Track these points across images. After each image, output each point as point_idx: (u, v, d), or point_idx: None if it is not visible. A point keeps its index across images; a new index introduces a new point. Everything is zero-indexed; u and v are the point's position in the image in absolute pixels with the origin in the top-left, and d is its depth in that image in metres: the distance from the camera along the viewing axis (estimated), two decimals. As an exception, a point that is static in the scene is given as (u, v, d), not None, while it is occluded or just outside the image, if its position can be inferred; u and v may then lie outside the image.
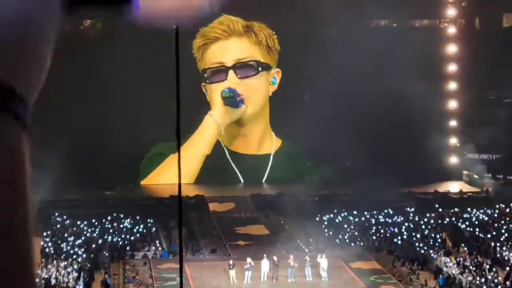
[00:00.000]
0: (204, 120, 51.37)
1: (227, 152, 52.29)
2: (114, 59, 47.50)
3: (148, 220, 43.41)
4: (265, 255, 34.51)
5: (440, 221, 44.24)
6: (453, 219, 44.53)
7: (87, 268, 35.77)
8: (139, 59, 48.37)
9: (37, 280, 32.74)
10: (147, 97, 49.97)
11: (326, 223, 43.09)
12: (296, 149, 52.28)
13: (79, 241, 39.36)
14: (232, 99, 50.50)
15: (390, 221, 43.77)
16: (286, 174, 51.48)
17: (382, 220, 44.00)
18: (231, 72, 51.03)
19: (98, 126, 49.81)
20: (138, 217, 43.61)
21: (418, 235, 41.14)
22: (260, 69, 51.83)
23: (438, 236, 41.30)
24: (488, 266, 35.85)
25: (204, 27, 50.68)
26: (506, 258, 37.38)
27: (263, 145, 53.16)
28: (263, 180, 52.89)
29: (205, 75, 51.32)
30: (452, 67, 54.68)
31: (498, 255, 37.96)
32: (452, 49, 54.59)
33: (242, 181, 52.47)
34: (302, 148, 51.82)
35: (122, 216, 43.61)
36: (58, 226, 42.12)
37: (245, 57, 51.67)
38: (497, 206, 46.67)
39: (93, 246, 38.94)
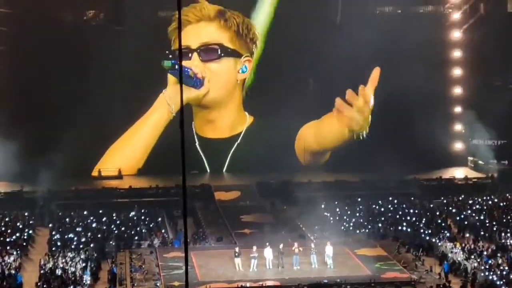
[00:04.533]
0: (157, 100, 51.32)
1: (197, 142, 52.28)
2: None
3: (154, 210, 43.64)
4: (267, 244, 34.67)
5: (445, 207, 44.31)
6: (458, 205, 44.58)
7: (94, 257, 36.00)
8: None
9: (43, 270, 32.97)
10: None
11: (331, 210, 43.18)
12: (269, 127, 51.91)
13: (86, 231, 39.58)
14: (185, 74, 49.55)
15: (395, 208, 43.85)
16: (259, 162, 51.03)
17: (387, 207, 44.07)
18: (195, 55, 50.85)
19: (102, 117, 50.02)
20: (144, 207, 43.85)
21: (423, 222, 41.20)
22: (223, 54, 51.57)
23: (443, 222, 41.36)
24: (491, 252, 35.91)
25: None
26: (510, 243, 37.36)
27: (233, 129, 52.98)
28: (224, 169, 52.79)
29: (173, 57, 50.80)
30: (457, 53, 54.59)
31: (503, 241, 37.99)
32: (456, 34, 54.46)
33: (208, 170, 52.42)
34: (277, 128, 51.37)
35: (128, 205, 43.84)
36: (65, 216, 42.37)
37: (210, 41, 51.44)
38: (502, 191, 46.71)
39: (100, 236, 39.14)
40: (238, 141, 52.87)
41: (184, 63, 50.27)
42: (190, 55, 50.80)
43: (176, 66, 49.80)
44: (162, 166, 47.47)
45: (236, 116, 53.06)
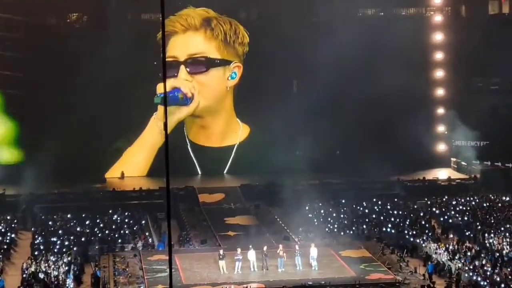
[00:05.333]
0: (148, 125, 51.77)
1: (188, 144, 52.38)
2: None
3: (138, 212, 43.46)
4: (250, 246, 34.62)
5: (429, 208, 44.47)
6: (442, 206, 44.75)
7: (77, 261, 35.76)
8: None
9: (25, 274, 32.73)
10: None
11: (315, 212, 43.22)
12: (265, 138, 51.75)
13: (69, 235, 39.34)
14: (173, 97, 50.18)
15: (379, 209, 43.95)
16: (250, 165, 51.18)
17: (371, 208, 44.15)
18: (182, 68, 51.10)
19: (84, 120, 49.80)
20: (128, 209, 43.66)
21: (407, 223, 41.31)
22: (210, 66, 51.80)
23: (427, 223, 41.50)
24: (475, 253, 36.07)
25: (167, 19, 51.01)
26: (494, 244, 37.56)
27: (226, 137, 53.22)
28: (225, 172, 52.97)
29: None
30: (439, 55, 54.84)
31: (486, 242, 38.17)
32: (438, 37, 54.71)
33: (200, 172, 52.62)
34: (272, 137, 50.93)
35: (111, 208, 43.65)
36: (48, 220, 42.10)
37: (197, 52, 51.62)
38: (485, 192, 46.93)
39: (83, 239, 38.92)
40: (235, 148, 52.88)
41: (173, 82, 50.30)
42: (177, 68, 50.83)
43: (160, 99, 50.18)
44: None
45: (229, 124, 53.05)
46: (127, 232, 40.28)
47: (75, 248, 37.28)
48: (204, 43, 51.78)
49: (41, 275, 33.31)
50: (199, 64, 51.79)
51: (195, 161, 52.86)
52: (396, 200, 45.80)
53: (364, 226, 41.19)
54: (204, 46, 51.78)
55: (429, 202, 45.51)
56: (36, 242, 38.50)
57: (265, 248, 34.64)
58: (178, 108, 50.93)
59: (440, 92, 55.01)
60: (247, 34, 52.37)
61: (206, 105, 52.09)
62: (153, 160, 51.93)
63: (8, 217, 42.65)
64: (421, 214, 43.29)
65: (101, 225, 41.21)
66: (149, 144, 51.81)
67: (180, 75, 51.08)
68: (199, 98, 51.74)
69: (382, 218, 42.33)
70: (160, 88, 50.81)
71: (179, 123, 52.14)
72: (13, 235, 40.48)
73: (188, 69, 51.40)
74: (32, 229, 41.28)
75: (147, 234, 40.41)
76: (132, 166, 52.23)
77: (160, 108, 51.37)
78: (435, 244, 37.20)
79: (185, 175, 49.37)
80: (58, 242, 38.15)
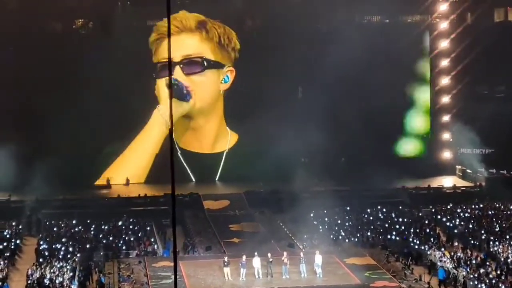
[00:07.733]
0: (152, 116, 51.37)
1: (179, 151, 52.01)
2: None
3: (143, 219, 43.46)
4: (256, 253, 34.60)
5: (434, 216, 44.40)
6: (447, 213, 44.68)
7: (81, 267, 35.76)
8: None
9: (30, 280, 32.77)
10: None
11: (320, 219, 43.17)
12: (255, 146, 51.33)
13: (74, 241, 39.38)
14: (177, 88, 50.01)
15: (384, 216, 43.90)
16: (240, 172, 50.78)
17: (376, 215, 44.10)
18: (177, 68, 50.85)
19: (90, 125, 49.95)
20: (133, 216, 43.69)
21: (412, 230, 41.24)
22: (206, 66, 51.70)
23: (432, 231, 41.42)
24: (480, 261, 35.99)
25: (160, 22, 51.09)
26: (499, 252, 37.47)
27: (217, 143, 53.05)
28: (216, 179, 52.77)
29: (156, 70, 51.06)
30: (444, 62, 54.81)
31: (491, 249, 38.09)
32: (444, 44, 54.69)
33: (194, 180, 52.37)
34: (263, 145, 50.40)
35: (117, 215, 43.65)
36: (53, 226, 42.15)
37: (192, 53, 51.47)
38: (490, 200, 46.83)
39: (88, 245, 38.94)
40: (225, 154, 52.69)
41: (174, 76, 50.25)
42: (172, 68, 50.66)
43: (177, 83, 49.93)
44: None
45: (218, 130, 52.84)
46: (132, 238, 40.31)
47: (79, 254, 37.29)
48: (199, 44, 51.64)
49: (46, 281, 33.34)
50: (195, 65, 51.66)
51: (187, 168, 52.39)
52: (401, 207, 45.73)
53: (369, 234, 41.14)
54: (199, 47, 51.66)
55: (434, 210, 45.42)
56: (41, 248, 38.55)
57: (269, 255, 34.63)
58: (180, 103, 50.57)
59: (445, 99, 54.96)
60: (238, 42, 52.20)
61: (200, 107, 51.89)
62: (153, 160, 51.49)
63: (14, 223, 42.70)
64: (426, 221, 43.22)
65: (106, 231, 41.24)
66: (152, 139, 51.29)
67: (176, 75, 50.77)
68: (196, 98, 51.64)
69: (387, 225, 42.28)
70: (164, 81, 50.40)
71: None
72: (18, 241, 40.52)
73: (183, 71, 51.21)
74: (38, 235, 41.33)
75: (152, 240, 40.42)
76: (133, 169, 51.78)
77: (165, 100, 50.63)
78: (440, 252, 37.12)
79: (178, 181, 48.98)
80: (63, 248, 38.18)
